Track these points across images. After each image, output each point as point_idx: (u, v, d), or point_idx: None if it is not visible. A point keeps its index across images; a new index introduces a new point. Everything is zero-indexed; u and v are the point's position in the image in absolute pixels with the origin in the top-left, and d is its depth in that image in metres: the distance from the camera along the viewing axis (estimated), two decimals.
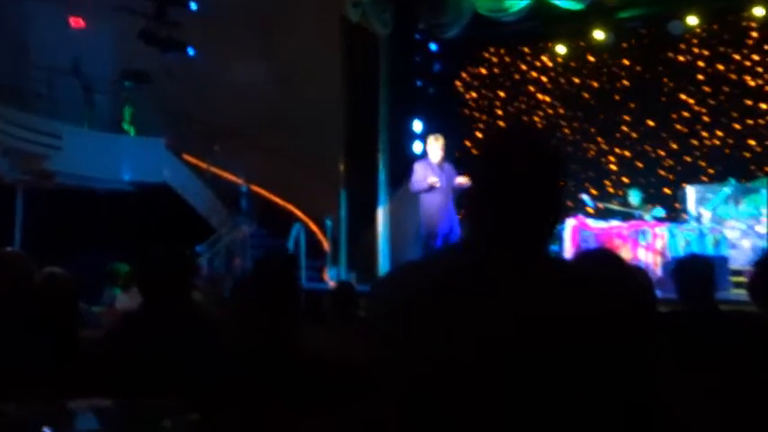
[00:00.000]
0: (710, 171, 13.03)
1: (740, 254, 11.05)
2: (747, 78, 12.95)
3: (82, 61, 13.77)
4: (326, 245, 12.83)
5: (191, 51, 14.35)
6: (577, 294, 1.35)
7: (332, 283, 11.01)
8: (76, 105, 13.44)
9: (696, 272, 3.61)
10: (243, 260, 11.93)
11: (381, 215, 12.44)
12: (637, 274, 4.08)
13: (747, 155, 12.92)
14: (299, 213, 14.00)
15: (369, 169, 12.39)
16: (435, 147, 9.48)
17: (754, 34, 12.85)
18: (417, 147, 13.13)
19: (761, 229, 11.36)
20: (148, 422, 2.33)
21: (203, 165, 14.27)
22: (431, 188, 9.21)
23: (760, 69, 12.84)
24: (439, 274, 1.48)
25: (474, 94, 14.99)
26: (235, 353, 2.78)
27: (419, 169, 9.50)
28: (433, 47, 13.32)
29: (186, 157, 14.22)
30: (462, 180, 9.20)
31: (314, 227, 13.81)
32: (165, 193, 13.24)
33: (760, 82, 12.85)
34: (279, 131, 13.56)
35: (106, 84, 14.26)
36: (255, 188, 14.15)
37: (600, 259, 2.41)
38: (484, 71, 14.96)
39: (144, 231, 10.78)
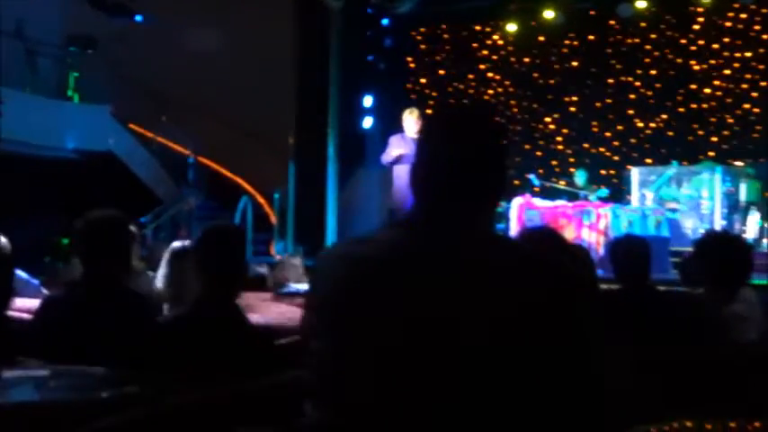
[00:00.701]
0: (654, 153, 13.27)
1: (681, 235, 11.30)
2: (693, 63, 13.18)
3: (26, 24, 13.40)
4: (274, 218, 12.78)
5: (139, 18, 14.07)
6: (515, 271, 1.36)
7: (278, 257, 10.98)
8: (19, 70, 13.09)
9: (631, 251, 3.68)
10: (188, 232, 11.81)
11: (330, 189, 12.41)
12: (578, 252, 4.16)
13: (691, 138, 13.18)
14: (247, 186, 13.89)
15: (318, 143, 12.34)
16: (410, 120, 9.39)
17: (700, 19, 13.07)
18: (367, 122, 13.11)
19: (702, 211, 11.63)
20: (85, 392, 2.30)
21: (150, 134, 14.04)
22: (397, 160, 9.13)
23: (705, 54, 13.08)
24: (375, 250, 1.48)
25: (425, 71, 15.00)
26: (174, 323, 2.77)
27: (393, 142, 9.44)
28: (384, 21, 13.26)
29: (133, 126, 13.98)
30: None
31: (262, 200, 13.73)
32: (110, 162, 13.00)
33: (705, 66, 13.09)
34: (229, 103, 13.40)
35: (52, 48, 13.90)
36: (203, 160, 13.99)
37: (542, 237, 2.46)
38: (435, 48, 14.96)
39: (88, 201, 10.59)
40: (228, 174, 14.45)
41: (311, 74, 12.38)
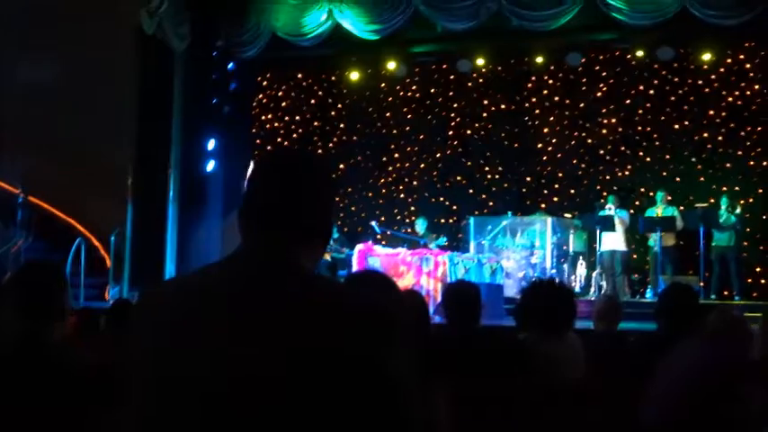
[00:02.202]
0: (490, 204, 13.80)
1: (514, 283, 11.75)
2: (526, 118, 13.88)
3: None
4: (109, 262, 12.29)
5: None
6: (319, 310, 1.37)
7: (112, 302, 10.54)
8: None
9: (461, 295, 3.80)
10: None
11: (170, 232, 12.13)
12: (407, 295, 4.24)
13: (525, 190, 13.82)
14: (81, 228, 13.30)
15: (158, 185, 12.06)
16: None
17: (534, 78, 13.80)
18: (211, 165, 12.93)
19: (534, 260, 12.15)
20: None
21: None
22: None
23: (537, 111, 13.81)
24: (192, 288, 1.48)
25: (270, 116, 15.02)
26: None
27: None
28: (230, 65, 13.20)
29: None
30: None
31: (97, 243, 13.18)
32: None
33: (537, 122, 13.82)
34: (64, 141, 12.84)
35: None
36: (35, 200, 13.30)
37: (366, 279, 2.49)
38: (281, 93, 15.04)
39: None
40: (61, 215, 13.80)
41: (153, 114, 12.10)
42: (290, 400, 1.31)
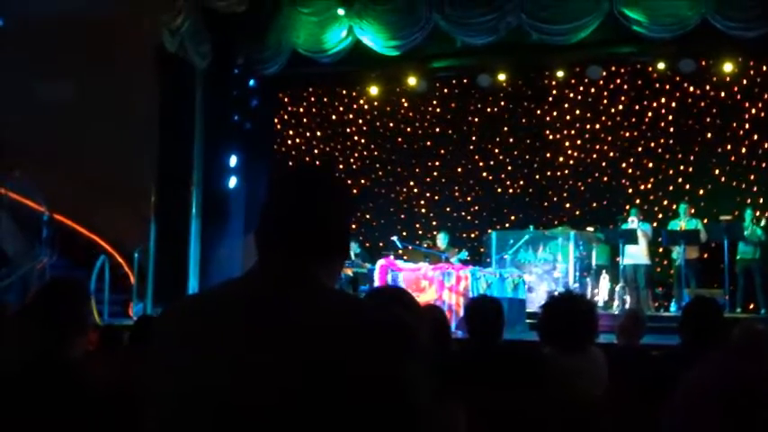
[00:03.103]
0: (512, 218, 13.77)
1: (537, 297, 11.67)
2: (547, 132, 13.85)
3: None
4: (133, 278, 12.38)
5: None
6: (336, 323, 1.38)
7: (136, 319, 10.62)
8: None
9: (482, 310, 3.79)
10: None
11: (192, 248, 12.19)
12: (428, 311, 4.24)
13: (546, 204, 13.77)
14: (105, 245, 13.42)
15: (181, 202, 12.14)
16: None
17: (554, 92, 13.78)
18: (232, 181, 13.00)
19: (556, 274, 12.09)
20: None
21: (2, 190, 13.39)
22: None
23: (558, 125, 13.78)
24: (209, 305, 1.51)
25: (291, 132, 15.10)
26: (8, 376, 2.63)
27: None
28: (251, 82, 13.29)
29: None
30: None
31: (121, 259, 13.28)
32: None
33: (558, 136, 13.78)
34: (87, 159, 12.98)
35: None
36: (59, 217, 13.43)
37: (387, 295, 2.49)
38: (302, 110, 15.11)
39: None
40: (86, 232, 13.93)
41: (175, 132, 12.21)
42: (305, 411, 1.33)
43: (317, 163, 14.91)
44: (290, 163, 14.91)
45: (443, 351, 3.81)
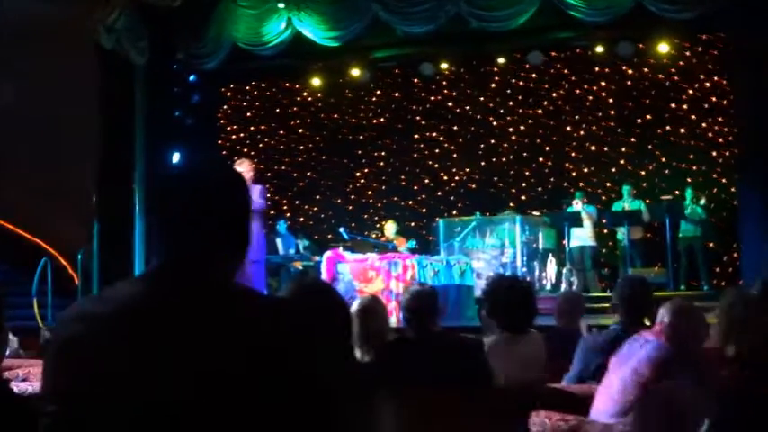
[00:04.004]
0: (459, 205, 13.83)
1: (484, 283, 11.74)
2: (491, 119, 13.93)
3: None
4: (77, 280, 12.18)
5: None
6: (226, 330, 1.36)
7: None
8: None
9: (416, 299, 3.79)
10: None
11: (137, 248, 12.03)
12: (370, 302, 4.24)
13: (492, 190, 13.86)
14: (47, 248, 13.17)
15: (123, 201, 11.97)
16: (241, 170, 9.27)
17: (497, 78, 13.86)
18: None
19: (504, 259, 12.18)
20: None
21: None
22: None
23: (501, 111, 13.86)
24: (107, 307, 1.48)
25: (235, 127, 14.97)
26: None
27: None
28: (192, 77, 13.13)
29: None
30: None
31: (65, 262, 13.05)
32: None
33: (502, 123, 13.87)
34: (28, 161, 12.72)
35: None
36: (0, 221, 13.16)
37: (309, 288, 2.48)
38: (245, 104, 14.99)
39: None
40: (28, 235, 13.66)
41: (115, 130, 12.01)
42: (202, 423, 1.31)
43: (262, 157, 14.83)
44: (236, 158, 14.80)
45: (379, 343, 3.81)
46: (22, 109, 12.58)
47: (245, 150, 14.88)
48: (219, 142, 14.65)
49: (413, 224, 13.83)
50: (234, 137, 14.98)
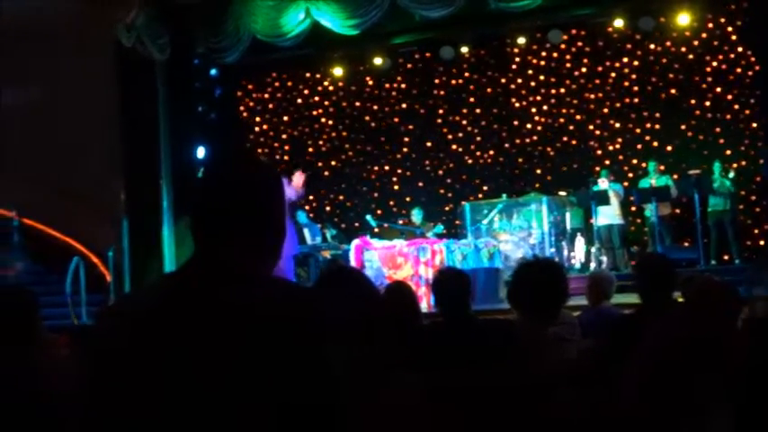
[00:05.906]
0: (485, 188, 13.80)
1: (514, 265, 11.72)
2: (513, 100, 13.85)
3: None
4: (109, 277, 12.31)
5: None
6: (258, 310, 1.38)
7: None
8: None
9: (447, 283, 3.79)
10: None
11: (166, 243, 12.15)
12: (395, 289, 4.25)
13: (517, 172, 13.80)
14: (78, 246, 13.31)
15: (151, 197, 12.08)
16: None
17: (518, 59, 13.78)
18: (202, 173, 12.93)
19: (532, 240, 12.15)
20: None
21: None
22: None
23: (524, 92, 13.78)
24: (142, 301, 1.51)
25: (258, 119, 15.02)
26: None
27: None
28: (213, 72, 13.19)
29: None
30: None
31: (96, 260, 13.19)
32: None
33: (524, 103, 13.79)
34: (56, 161, 12.85)
35: None
36: (28, 221, 13.30)
37: (339, 277, 2.49)
38: (267, 96, 15.03)
39: None
40: (58, 235, 13.81)
41: (139, 127, 12.11)
42: (216, 422, 1.33)
43: (287, 148, 14.88)
44: (260, 151, 14.85)
45: (409, 328, 3.83)
46: (47, 109, 12.72)
47: (269, 142, 14.95)
48: (243, 135, 14.71)
49: (438, 209, 13.82)
50: (257, 129, 15.04)
